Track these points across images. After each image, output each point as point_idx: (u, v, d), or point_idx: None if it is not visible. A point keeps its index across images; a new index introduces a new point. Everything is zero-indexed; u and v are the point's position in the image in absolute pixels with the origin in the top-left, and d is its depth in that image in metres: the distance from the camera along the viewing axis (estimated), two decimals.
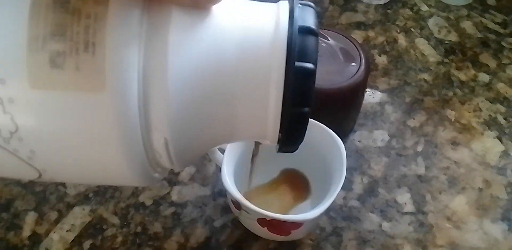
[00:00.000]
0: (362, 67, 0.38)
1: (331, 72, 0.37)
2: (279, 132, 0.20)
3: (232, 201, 0.34)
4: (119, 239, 0.38)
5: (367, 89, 0.48)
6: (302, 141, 0.20)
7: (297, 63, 0.18)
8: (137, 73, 0.16)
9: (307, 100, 0.18)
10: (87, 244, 0.37)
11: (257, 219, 0.32)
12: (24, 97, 0.16)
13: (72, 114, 0.16)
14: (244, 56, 0.18)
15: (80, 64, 0.15)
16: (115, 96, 0.16)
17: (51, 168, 0.18)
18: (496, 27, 0.55)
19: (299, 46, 0.18)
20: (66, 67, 0.15)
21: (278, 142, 0.20)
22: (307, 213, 0.30)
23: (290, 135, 0.20)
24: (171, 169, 0.20)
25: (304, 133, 0.20)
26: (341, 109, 0.40)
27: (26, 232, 0.38)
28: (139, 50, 0.16)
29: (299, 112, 0.18)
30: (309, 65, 0.18)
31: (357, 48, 0.40)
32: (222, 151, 0.34)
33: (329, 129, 0.34)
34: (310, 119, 0.20)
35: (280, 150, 0.21)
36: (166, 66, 0.17)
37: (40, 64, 0.15)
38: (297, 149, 0.21)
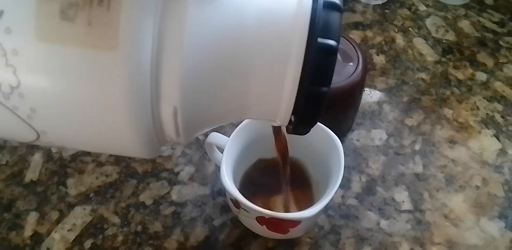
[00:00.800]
0: (360, 67, 0.39)
1: None
2: (292, 113, 0.18)
3: (231, 200, 0.34)
4: (120, 238, 0.38)
5: (365, 89, 0.48)
6: (316, 123, 0.19)
7: (320, 40, 0.17)
8: (152, 33, 0.15)
9: (327, 79, 0.17)
10: (88, 243, 0.38)
11: (256, 218, 0.32)
12: (29, 49, 0.15)
13: (79, 72, 0.15)
14: (264, 27, 0.17)
15: (92, 18, 0.14)
16: (128, 56, 0.15)
17: (51, 129, 0.17)
18: (494, 26, 0.55)
19: (323, 21, 0.17)
20: (77, 21, 0.14)
21: (289, 123, 0.19)
22: (305, 211, 0.30)
23: (305, 116, 0.19)
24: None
25: (320, 115, 0.19)
26: (339, 109, 0.41)
27: (28, 231, 0.38)
28: (156, 9, 0.15)
29: (318, 92, 0.17)
30: (332, 42, 0.17)
31: (354, 48, 0.40)
32: (221, 150, 0.34)
33: (327, 128, 0.34)
34: None
35: (293, 131, 0.20)
36: (184, 28, 0.15)
37: (49, 15, 0.14)
38: (309, 131, 0.20)
